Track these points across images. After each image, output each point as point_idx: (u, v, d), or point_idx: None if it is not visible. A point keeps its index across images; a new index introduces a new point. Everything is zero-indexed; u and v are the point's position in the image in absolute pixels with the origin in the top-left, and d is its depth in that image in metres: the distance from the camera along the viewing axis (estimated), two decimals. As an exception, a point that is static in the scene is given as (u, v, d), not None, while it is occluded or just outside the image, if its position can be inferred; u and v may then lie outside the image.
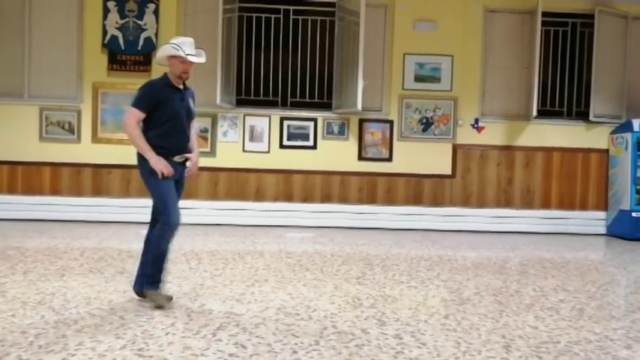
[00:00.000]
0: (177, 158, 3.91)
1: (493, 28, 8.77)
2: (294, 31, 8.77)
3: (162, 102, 3.82)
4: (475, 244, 7.41)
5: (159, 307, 3.77)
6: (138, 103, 3.81)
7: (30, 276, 4.66)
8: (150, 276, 3.87)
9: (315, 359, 2.94)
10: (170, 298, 3.89)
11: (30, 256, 5.50)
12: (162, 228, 3.82)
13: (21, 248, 5.98)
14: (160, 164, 3.76)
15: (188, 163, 4.03)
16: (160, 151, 3.80)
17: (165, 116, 3.83)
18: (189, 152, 4.01)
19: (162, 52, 3.94)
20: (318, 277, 5.02)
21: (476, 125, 8.70)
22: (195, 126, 4.29)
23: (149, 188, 3.87)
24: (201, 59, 3.96)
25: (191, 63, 3.89)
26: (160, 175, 3.77)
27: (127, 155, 8.37)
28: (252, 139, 8.56)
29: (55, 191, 8.38)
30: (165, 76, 3.95)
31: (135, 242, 6.54)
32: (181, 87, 3.97)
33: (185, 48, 3.86)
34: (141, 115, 3.80)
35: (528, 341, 3.33)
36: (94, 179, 8.43)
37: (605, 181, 8.78)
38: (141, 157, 3.84)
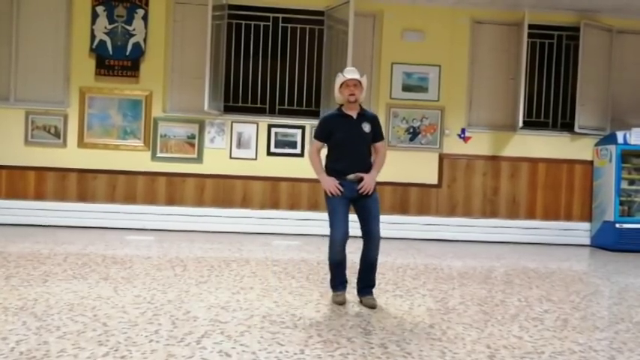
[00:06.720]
0: (351, 177, 4.33)
1: (480, 39, 8.86)
2: (282, 39, 8.78)
3: (333, 131, 4.34)
4: (461, 253, 7.44)
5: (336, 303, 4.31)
6: (315, 135, 4.51)
7: (12, 281, 4.60)
8: (330, 280, 4.51)
9: (300, 368, 2.93)
10: (342, 302, 4.33)
11: (13, 261, 5.44)
12: (329, 240, 4.36)
13: (3, 253, 5.90)
14: (326, 184, 4.33)
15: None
16: (332, 173, 4.34)
17: (335, 142, 4.37)
18: (365, 172, 4.37)
19: (335, 89, 4.38)
20: (303, 285, 5.02)
21: (462, 135, 8.76)
22: (378, 146, 4.62)
23: (326, 203, 4.42)
24: (356, 75, 4.32)
25: (354, 85, 4.27)
26: (328, 193, 4.33)
27: (113, 160, 8.44)
28: (239, 145, 8.54)
29: (39, 196, 8.30)
30: (338, 109, 4.43)
31: (119, 248, 6.52)
32: (354, 114, 4.35)
33: (346, 74, 4.33)
34: (318, 144, 4.48)
35: (513, 351, 3.34)
36: (80, 184, 8.36)
37: (589, 192, 8.86)
38: None
